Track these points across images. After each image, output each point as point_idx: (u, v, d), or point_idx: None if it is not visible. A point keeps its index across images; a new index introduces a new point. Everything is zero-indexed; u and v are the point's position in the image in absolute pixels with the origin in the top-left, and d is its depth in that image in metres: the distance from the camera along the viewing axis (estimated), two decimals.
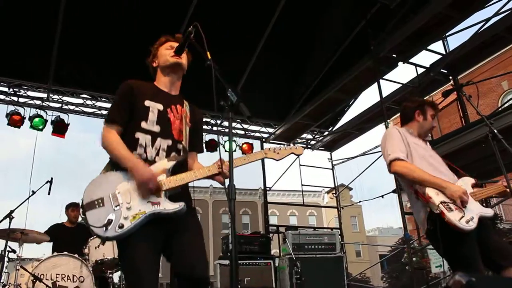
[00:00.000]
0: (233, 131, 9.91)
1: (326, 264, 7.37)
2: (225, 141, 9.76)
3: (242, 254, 7.22)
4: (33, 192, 6.24)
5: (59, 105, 8.79)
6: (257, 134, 10.66)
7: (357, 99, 10.12)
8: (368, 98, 11.88)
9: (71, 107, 8.90)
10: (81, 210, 2.30)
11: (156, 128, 2.48)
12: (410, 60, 8.26)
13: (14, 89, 8.42)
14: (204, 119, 9.79)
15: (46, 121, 8.38)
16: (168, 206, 2.32)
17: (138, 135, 2.44)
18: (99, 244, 5.80)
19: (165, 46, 2.72)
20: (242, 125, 10.33)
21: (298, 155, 2.60)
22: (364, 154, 10.77)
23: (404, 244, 9.14)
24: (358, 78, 8.61)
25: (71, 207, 6.84)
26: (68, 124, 8.54)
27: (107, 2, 7.23)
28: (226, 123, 10.05)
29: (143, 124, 2.46)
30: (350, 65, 8.52)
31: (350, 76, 8.55)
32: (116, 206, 2.29)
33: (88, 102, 9.00)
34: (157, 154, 2.45)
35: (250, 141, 10.13)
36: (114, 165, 2.43)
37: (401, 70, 8.64)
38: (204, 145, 2.73)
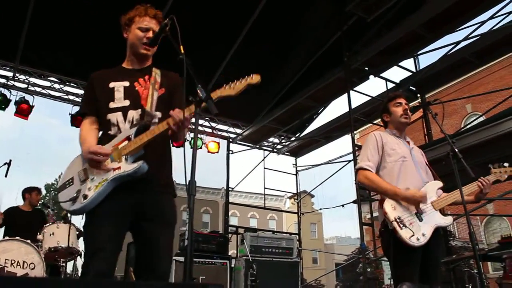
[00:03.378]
0: (201, 128, 9.94)
1: (282, 268, 7.40)
2: (191, 138, 9.66)
3: (199, 252, 7.16)
4: None
5: (25, 85, 8.50)
6: (225, 134, 10.63)
7: (327, 107, 10.25)
8: (337, 108, 12.07)
9: (38, 89, 8.62)
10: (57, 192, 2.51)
11: (126, 103, 2.56)
12: (381, 74, 8.42)
13: None
14: None
15: (10, 100, 8.11)
16: (127, 167, 2.35)
17: (109, 116, 2.54)
18: (53, 232, 5.68)
19: (139, 24, 2.67)
20: (211, 123, 10.27)
21: (255, 84, 2.42)
22: (328, 162, 10.90)
23: (360, 254, 9.29)
24: (329, 87, 8.72)
25: (35, 191, 6.67)
26: (33, 106, 8.26)
27: None
28: (193, 120, 9.95)
29: (111, 104, 2.55)
30: (323, 73, 8.62)
31: (321, 84, 8.65)
32: (82, 181, 2.41)
33: (56, 85, 8.72)
34: (131, 126, 2.50)
35: (217, 140, 10.08)
36: None
37: (372, 83, 8.81)
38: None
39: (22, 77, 8.45)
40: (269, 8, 7.63)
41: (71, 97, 8.87)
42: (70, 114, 8.38)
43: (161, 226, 2.42)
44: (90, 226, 2.37)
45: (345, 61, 7.89)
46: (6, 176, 6.16)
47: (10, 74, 8.36)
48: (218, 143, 9.95)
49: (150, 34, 2.63)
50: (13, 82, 8.42)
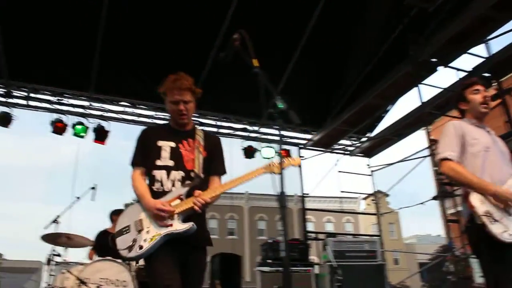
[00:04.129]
0: (270, 137, 10.04)
1: (367, 272, 7.27)
2: (262, 147, 9.80)
3: (281, 261, 7.20)
4: (78, 198, 6.45)
5: (100, 112, 9.04)
6: (295, 141, 10.64)
7: (395, 104, 9.99)
8: (406, 104, 11.71)
9: (112, 115, 9.14)
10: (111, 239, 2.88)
11: (170, 163, 2.86)
12: (451, 64, 8.10)
13: (58, 98, 8.71)
14: (242, 126, 9.94)
15: (87, 128, 8.65)
16: (178, 226, 2.67)
17: (154, 172, 2.86)
18: None
19: (170, 98, 2.96)
20: (280, 131, 10.30)
21: (297, 166, 2.72)
22: (403, 160, 10.59)
23: (445, 252, 8.92)
24: (397, 83, 8.49)
25: (119, 213, 7.01)
26: (108, 131, 8.78)
27: (147, 11, 7.41)
28: (263, 129, 10.11)
29: (158, 162, 2.87)
30: (388, 70, 8.42)
31: (388, 81, 8.44)
32: (138, 231, 2.72)
33: (128, 109, 9.21)
34: (173, 185, 2.81)
35: (288, 147, 10.12)
36: None
37: (441, 75, 8.48)
38: (224, 166, 3.10)
39: (96, 104, 8.98)
40: (326, 12, 7.62)
41: (142, 119, 9.30)
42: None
43: (197, 276, 2.84)
44: (152, 268, 2.68)
45: (411, 55, 7.67)
46: (92, 199, 6.55)
47: (86, 103, 8.93)
48: (289, 151, 9.99)
49: (181, 106, 2.92)
50: (89, 110, 8.96)
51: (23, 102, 8.59)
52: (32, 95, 8.58)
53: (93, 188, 6.38)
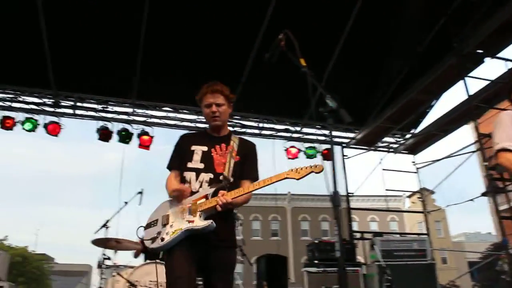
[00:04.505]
0: (314, 137, 9.98)
1: (416, 271, 7.11)
2: (306, 148, 9.77)
3: (328, 261, 7.15)
4: (126, 203, 6.59)
5: (144, 118, 9.23)
6: (337, 140, 10.54)
7: (440, 99, 9.72)
8: (451, 98, 11.34)
9: (155, 120, 9.32)
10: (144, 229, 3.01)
11: (200, 166, 3.01)
12: (498, 55, 7.81)
13: (103, 106, 8.98)
14: (284, 126, 9.93)
15: (132, 134, 8.86)
16: (199, 223, 2.77)
17: (185, 173, 3.02)
18: None
19: (204, 102, 3.13)
20: (322, 131, 10.24)
21: (318, 173, 2.65)
22: (449, 156, 10.30)
23: (498, 250, 8.60)
24: (441, 77, 8.26)
25: None
26: (152, 137, 8.95)
27: (186, 15, 7.51)
28: (305, 129, 10.07)
29: (189, 164, 3.02)
30: (432, 64, 8.21)
31: (432, 76, 8.23)
32: (163, 225, 2.89)
33: (171, 114, 9.37)
34: (201, 186, 2.94)
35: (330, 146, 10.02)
36: None
37: (488, 66, 8.18)
38: (256, 171, 3.16)
39: (140, 111, 9.18)
40: (365, 9, 7.52)
41: (185, 123, 9.48)
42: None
43: (219, 276, 2.86)
44: (168, 261, 2.81)
45: (455, 47, 7.45)
46: (140, 204, 6.68)
47: (130, 110, 9.15)
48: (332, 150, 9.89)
49: (213, 108, 3.07)
50: (133, 117, 9.17)
51: (70, 111, 8.91)
52: (78, 104, 8.88)
53: (140, 192, 6.50)
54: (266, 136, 9.89)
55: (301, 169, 2.71)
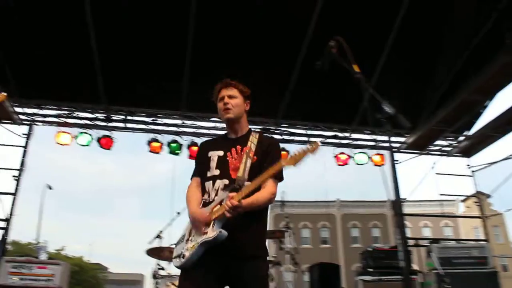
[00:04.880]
0: (361, 142, 9.81)
1: (477, 280, 6.80)
2: (354, 154, 9.62)
3: (383, 269, 6.98)
4: (178, 214, 6.69)
5: (193, 129, 9.40)
6: (387, 145, 10.28)
7: (494, 99, 9.32)
8: (508, 97, 10.86)
9: (204, 131, 9.43)
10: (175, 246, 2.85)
11: (216, 172, 2.82)
12: None
13: (153, 119, 9.20)
14: (333, 133, 9.80)
15: (182, 145, 9.00)
16: (210, 234, 2.56)
17: (205, 184, 2.85)
18: None
19: (219, 97, 3.00)
20: (372, 136, 10.04)
21: (314, 152, 2.55)
22: (508, 158, 9.85)
23: None
24: (495, 76, 7.93)
25: None
26: None
27: (231, 24, 7.57)
28: (354, 135, 9.91)
29: (208, 173, 2.85)
30: (484, 63, 7.90)
31: (485, 75, 7.91)
32: (186, 241, 2.71)
33: (219, 124, 9.42)
34: (216, 194, 2.75)
35: (381, 152, 9.82)
36: None
37: None
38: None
39: (189, 122, 9.37)
40: (413, 8, 7.34)
41: None
42: None
43: None
44: (183, 283, 2.66)
45: (508, 44, 7.13)
46: None
47: (179, 121, 9.34)
48: (383, 155, 9.69)
49: (226, 99, 2.93)
50: (182, 128, 9.37)
51: (121, 125, 9.18)
52: (129, 117, 9.14)
53: None
54: None
55: (296, 154, 2.57)
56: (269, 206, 2.85)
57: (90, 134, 8.77)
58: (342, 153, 9.61)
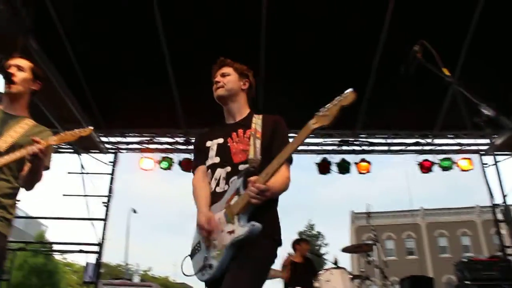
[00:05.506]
0: (445, 148, 9.35)
1: None
2: (440, 160, 9.20)
3: (481, 282, 6.57)
4: None
5: None
6: (473, 148, 9.75)
7: None
8: None
9: None
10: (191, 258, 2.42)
11: (216, 160, 2.51)
12: None
13: None
14: (414, 140, 9.42)
15: None
16: (239, 231, 2.18)
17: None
18: (329, 278, 5.90)
19: (213, 80, 2.77)
20: (456, 140, 9.55)
21: (348, 104, 2.12)
22: None
23: None
24: None
25: (304, 241, 7.24)
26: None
27: (303, 33, 7.39)
28: (437, 141, 9.49)
29: (207, 163, 2.54)
30: None
31: None
32: (207, 247, 2.29)
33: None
34: (217, 184, 2.43)
35: (468, 156, 9.33)
36: None
37: None
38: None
39: None
40: (489, 7, 6.95)
41: (311, 147, 9.49)
42: (315, 163, 9.14)
43: (233, 265, 2.20)
44: None
45: None
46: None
47: None
48: (470, 159, 9.21)
49: (218, 78, 2.71)
50: None
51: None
52: None
53: None
54: (395, 152, 9.52)
55: (328, 109, 2.14)
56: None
57: (171, 158, 9.11)
58: (426, 160, 9.23)
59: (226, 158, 2.46)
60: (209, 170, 2.51)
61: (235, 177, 2.35)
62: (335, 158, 9.22)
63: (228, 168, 2.42)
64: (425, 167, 9.15)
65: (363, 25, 7.27)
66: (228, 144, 2.51)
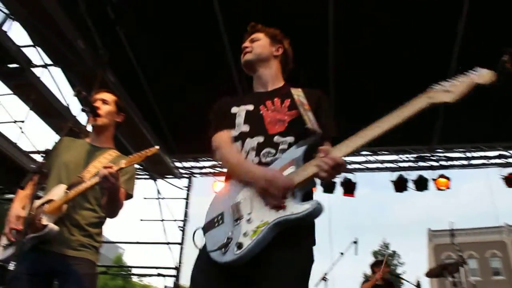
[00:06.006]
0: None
1: None
2: None
3: None
4: (342, 254, 6.56)
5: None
6: None
7: None
8: None
9: (356, 166, 9.32)
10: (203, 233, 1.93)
11: (245, 128, 2.09)
12: None
13: None
14: (497, 152, 8.90)
15: (334, 183, 8.93)
16: (296, 208, 1.73)
17: None
18: None
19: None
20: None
21: (484, 84, 1.71)
22: None
23: None
24: None
25: (383, 263, 6.99)
26: (355, 183, 8.93)
27: (374, 44, 7.19)
28: None
29: (234, 133, 2.11)
30: None
31: None
32: (236, 221, 1.84)
33: (370, 158, 9.25)
34: (246, 157, 2.00)
35: None
36: None
37: None
38: (333, 126, 2.11)
39: None
40: None
41: (386, 165, 9.26)
42: (391, 181, 8.86)
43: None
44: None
45: None
46: (356, 254, 6.59)
47: None
48: None
49: (246, 43, 2.34)
50: None
51: None
52: None
53: (355, 242, 6.46)
54: (477, 166, 9.07)
55: (453, 85, 1.76)
56: None
57: None
58: (511, 174, 8.62)
59: (258, 127, 2.06)
60: (239, 141, 2.07)
61: (254, 155, 1.99)
62: (411, 175, 8.88)
63: (260, 139, 2.01)
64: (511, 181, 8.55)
65: (437, 36, 7.02)
66: (261, 112, 2.11)
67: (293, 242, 1.79)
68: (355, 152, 8.13)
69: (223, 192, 2.06)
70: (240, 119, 2.12)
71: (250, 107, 2.15)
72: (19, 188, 2.62)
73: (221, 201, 1.97)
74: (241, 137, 2.06)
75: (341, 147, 1.79)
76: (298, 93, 2.15)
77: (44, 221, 2.52)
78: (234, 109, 2.17)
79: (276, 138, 2.00)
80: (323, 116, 2.08)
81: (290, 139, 1.99)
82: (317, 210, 1.72)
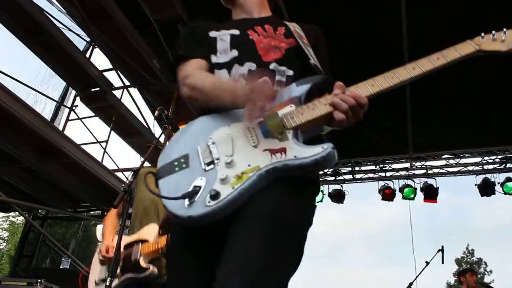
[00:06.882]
0: None
1: None
2: None
3: None
4: (427, 263, 6.27)
5: (423, 171, 9.02)
6: None
7: None
8: None
9: (436, 170, 8.99)
10: (155, 179, 1.44)
11: (234, 53, 1.67)
12: None
13: (380, 166, 9.21)
14: None
15: (415, 189, 8.73)
16: (301, 151, 1.33)
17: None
18: None
19: None
20: None
21: None
22: None
23: None
24: None
25: (470, 272, 6.61)
26: (437, 188, 8.63)
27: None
28: None
29: (213, 59, 1.69)
30: None
31: None
32: (208, 165, 1.38)
33: (452, 161, 8.90)
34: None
35: None
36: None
37: None
38: (329, 69, 1.66)
39: (418, 164, 9.07)
40: None
41: (470, 168, 8.85)
42: (475, 184, 8.46)
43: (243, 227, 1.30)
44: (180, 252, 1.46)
45: None
46: (442, 262, 6.29)
47: (407, 165, 9.15)
48: None
49: None
50: (412, 171, 9.11)
51: (349, 176, 9.42)
52: (356, 168, 9.36)
53: (441, 250, 6.17)
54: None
55: (509, 34, 1.40)
56: None
57: (321, 191, 9.11)
58: None
59: (249, 52, 1.66)
60: (223, 69, 1.65)
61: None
62: (498, 178, 8.37)
63: (252, 65, 1.62)
64: None
65: None
66: (251, 37, 1.71)
67: (288, 192, 1.35)
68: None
69: (189, 130, 1.56)
70: (224, 44, 1.70)
71: (235, 32, 1.74)
72: (112, 207, 2.71)
73: (185, 141, 1.50)
74: (227, 64, 1.65)
75: (362, 87, 1.42)
76: (293, 25, 1.79)
77: (143, 263, 2.62)
78: (213, 33, 1.75)
79: (274, 66, 1.63)
80: (324, 57, 1.73)
81: (289, 71, 1.63)
82: (331, 156, 1.32)
